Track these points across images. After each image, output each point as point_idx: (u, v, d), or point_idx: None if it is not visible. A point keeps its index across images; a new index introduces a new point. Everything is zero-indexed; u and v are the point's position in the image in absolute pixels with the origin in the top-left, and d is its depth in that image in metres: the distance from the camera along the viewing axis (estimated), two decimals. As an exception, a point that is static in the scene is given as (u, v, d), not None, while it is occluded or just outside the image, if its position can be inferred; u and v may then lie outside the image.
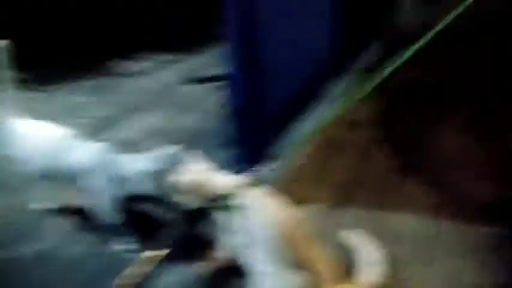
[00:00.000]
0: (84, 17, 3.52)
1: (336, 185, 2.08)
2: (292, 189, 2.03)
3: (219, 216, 1.50)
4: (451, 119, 2.57)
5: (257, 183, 1.46)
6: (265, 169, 1.58)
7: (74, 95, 3.03)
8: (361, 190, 2.05)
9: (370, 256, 1.59)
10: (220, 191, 1.47)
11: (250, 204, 1.45)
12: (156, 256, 1.64)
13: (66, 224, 1.84)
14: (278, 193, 1.50)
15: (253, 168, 1.62)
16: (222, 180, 1.50)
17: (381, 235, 1.74)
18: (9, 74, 1.78)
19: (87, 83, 3.20)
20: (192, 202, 1.49)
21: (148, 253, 1.66)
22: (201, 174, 1.48)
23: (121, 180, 1.56)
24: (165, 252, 1.65)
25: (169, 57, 3.59)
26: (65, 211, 1.89)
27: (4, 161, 1.85)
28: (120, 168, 1.57)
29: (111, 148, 1.65)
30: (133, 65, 3.52)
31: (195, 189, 1.47)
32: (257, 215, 1.43)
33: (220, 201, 1.47)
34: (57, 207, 1.90)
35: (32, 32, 3.23)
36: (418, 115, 2.64)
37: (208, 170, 1.51)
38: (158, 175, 1.52)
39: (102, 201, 1.63)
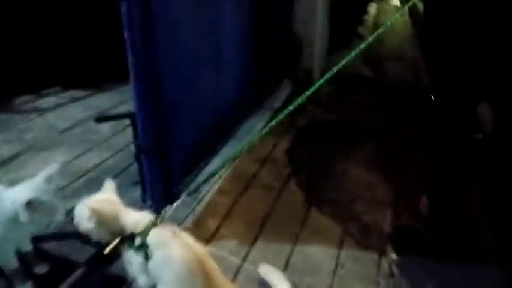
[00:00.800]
0: None
1: (248, 220, 2.13)
2: (205, 225, 2.07)
3: (130, 257, 1.47)
4: (354, 156, 2.78)
5: (162, 221, 1.46)
6: (175, 206, 1.58)
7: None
8: (273, 223, 2.12)
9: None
10: (129, 228, 1.45)
11: (158, 242, 1.43)
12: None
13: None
14: (187, 230, 1.52)
15: (163, 206, 1.63)
16: (132, 216, 1.48)
17: (292, 268, 1.85)
18: None
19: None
20: (101, 236, 1.44)
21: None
22: (112, 207, 1.45)
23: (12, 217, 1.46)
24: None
25: (79, 93, 3.50)
26: None
27: None
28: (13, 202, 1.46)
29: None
30: (41, 102, 3.38)
31: (105, 222, 1.42)
32: (165, 254, 1.42)
33: (130, 240, 1.44)
34: None
35: None
36: (323, 152, 2.84)
37: (118, 204, 1.48)
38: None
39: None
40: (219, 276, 1.48)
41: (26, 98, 3.39)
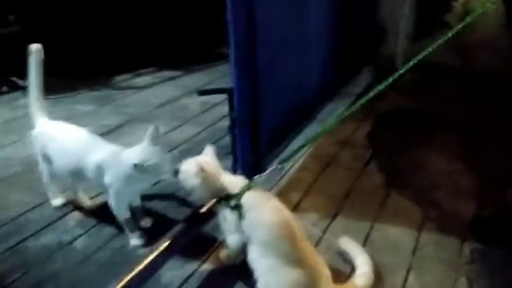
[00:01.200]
0: (97, 34, 3.71)
1: (330, 196, 2.22)
2: (288, 198, 2.18)
3: (226, 215, 1.63)
4: (436, 144, 2.75)
5: (258, 186, 1.60)
6: (267, 172, 1.70)
7: (77, 104, 3.17)
8: (353, 202, 2.19)
9: (361, 261, 1.73)
10: (227, 189, 1.61)
11: (251, 204, 1.58)
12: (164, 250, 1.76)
13: (86, 218, 1.99)
14: (276, 198, 1.64)
15: (252, 176, 1.76)
16: (229, 179, 1.64)
17: (371, 245, 1.91)
18: (40, 77, 1.90)
19: (91, 94, 3.35)
20: (201, 197, 1.62)
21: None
22: (214, 168, 1.62)
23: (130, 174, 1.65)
24: (173, 246, 1.77)
25: (171, 73, 3.79)
26: (86, 206, 2.05)
27: (36, 159, 1.96)
28: (127, 163, 1.64)
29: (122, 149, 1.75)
30: (137, 80, 3.70)
31: (208, 181, 1.59)
32: (257, 215, 1.56)
33: (226, 201, 1.60)
34: (80, 203, 2.05)
35: (49, 44, 3.39)
36: (404, 138, 2.83)
37: (218, 167, 1.64)
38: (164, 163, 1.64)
39: (116, 197, 1.75)
40: (304, 240, 1.59)
41: (124, 76, 3.74)
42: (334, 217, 2.07)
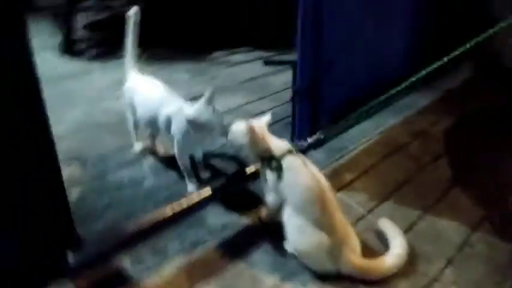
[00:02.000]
0: (203, 13, 4.07)
1: (384, 181, 2.20)
2: (341, 176, 2.22)
3: (267, 175, 1.76)
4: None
5: (297, 150, 1.69)
6: (310, 141, 1.78)
7: (175, 72, 3.53)
8: (408, 191, 2.15)
9: (396, 243, 1.73)
10: (270, 151, 1.73)
11: (290, 167, 1.68)
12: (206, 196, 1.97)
13: (157, 163, 2.29)
14: (324, 175, 1.71)
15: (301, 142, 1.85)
16: (274, 142, 1.76)
17: (414, 232, 1.88)
18: (136, 38, 2.20)
19: (188, 65, 3.70)
20: (248, 155, 1.77)
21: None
22: (261, 130, 1.75)
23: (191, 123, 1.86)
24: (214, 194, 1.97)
25: (263, 54, 3.98)
26: (160, 154, 2.35)
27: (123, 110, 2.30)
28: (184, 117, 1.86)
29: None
30: (231, 57, 3.97)
31: (254, 142, 1.73)
32: (293, 177, 1.67)
33: (269, 161, 1.73)
34: (151, 149, 2.36)
35: (154, 19, 3.85)
36: (486, 138, 2.64)
37: (265, 130, 1.77)
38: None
39: (178, 147, 1.99)
40: (336, 209, 1.66)
41: (221, 53, 4.03)
42: (382, 201, 2.06)
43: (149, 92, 2.12)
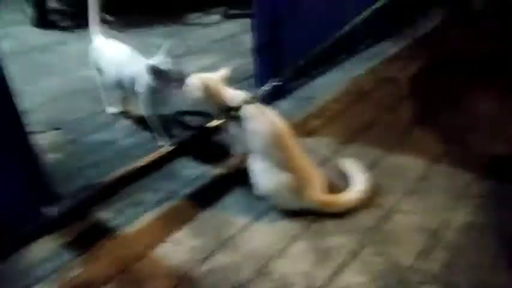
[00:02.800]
0: None
1: (350, 126, 2.31)
2: (310, 123, 2.32)
3: (228, 125, 1.85)
4: (487, 90, 2.61)
5: (257, 99, 1.77)
6: (264, 89, 1.82)
7: (150, 37, 3.53)
8: (373, 133, 2.26)
9: (357, 180, 1.85)
10: (228, 103, 1.80)
11: (248, 116, 1.76)
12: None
13: (130, 125, 2.36)
14: (295, 124, 1.78)
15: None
16: (230, 94, 1.83)
17: (377, 169, 1.99)
18: (98, 4, 2.24)
19: (163, 29, 3.70)
20: (207, 106, 1.85)
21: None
22: (215, 83, 1.82)
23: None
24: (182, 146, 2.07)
25: (239, 12, 3.97)
26: (128, 114, 2.42)
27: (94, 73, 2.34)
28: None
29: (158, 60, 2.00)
30: (206, 18, 3.97)
31: (210, 95, 1.80)
32: (252, 124, 1.75)
33: (227, 112, 1.80)
34: (123, 110, 2.43)
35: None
36: (455, 81, 2.72)
37: (220, 83, 1.84)
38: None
39: (145, 104, 2.06)
40: (296, 150, 1.76)
41: (196, 15, 4.02)
42: (347, 144, 2.18)
43: (113, 54, 2.18)
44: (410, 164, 2.04)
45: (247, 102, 1.76)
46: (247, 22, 3.73)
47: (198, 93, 1.80)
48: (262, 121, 1.75)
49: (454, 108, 2.47)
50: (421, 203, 1.82)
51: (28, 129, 1.57)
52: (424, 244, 1.63)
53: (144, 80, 1.98)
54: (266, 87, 1.78)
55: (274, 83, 1.78)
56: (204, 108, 1.90)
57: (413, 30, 3.37)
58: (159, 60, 1.92)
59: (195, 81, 1.81)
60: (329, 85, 2.65)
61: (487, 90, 2.59)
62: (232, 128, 1.83)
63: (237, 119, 1.77)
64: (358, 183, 1.83)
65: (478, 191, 1.87)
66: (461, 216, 1.74)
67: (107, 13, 3.79)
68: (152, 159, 2.03)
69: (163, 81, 1.92)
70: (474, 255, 1.58)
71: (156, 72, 1.90)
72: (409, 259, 1.57)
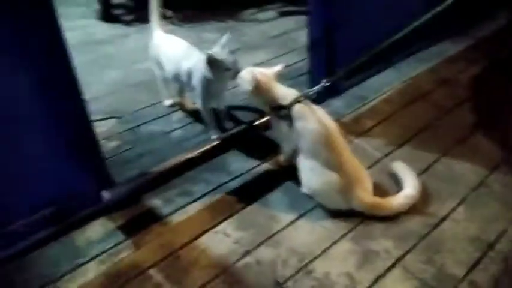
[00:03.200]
0: None
1: (405, 127, 2.23)
2: (361, 123, 2.28)
3: (278, 123, 1.86)
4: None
5: (307, 98, 1.77)
6: (315, 89, 1.80)
7: (207, 32, 3.62)
8: (428, 136, 2.18)
9: (409, 184, 1.79)
10: (279, 100, 1.80)
11: (298, 115, 1.76)
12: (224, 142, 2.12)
13: (185, 117, 2.45)
14: (345, 123, 1.75)
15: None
16: (281, 90, 1.83)
17: (430, 174, 1.92)
18: (159, 1, 2.32)
19: (219, 24, 3.78)
20: (256, 102, 1.87)
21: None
22: (267, 79, 1.83)
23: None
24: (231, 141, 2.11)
25: (295, 8, 3.97)
26: (183, 106, 2.50)
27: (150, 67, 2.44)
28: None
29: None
30: (262, 14, 4.00)
31: (260, 90, 1.81)
32: (302, 124, 1.75)
33: (278, 110, 1.81)
34: (179, 102, 2.51)
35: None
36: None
37: (273, 79, 1.84)
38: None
39: (201, 96, 2.12)
40: (345, 150, 1.74)
41: (251, 10, 4.06)
42: (400, 146, 2.11)
43: (172, 48, 2.25)
44: (466, 170, 1.95)
45: (297, 101, 1.76)
46: (303, 19, 3.75)
47: (248, 86, 1.81)
48: (311, 120, 1.74)
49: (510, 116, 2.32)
50: (476, 212, 1.74)
51: (90, 117, 1.68)
52: (476, 255, 1.56)
53: (199, 73, 2.04)
54: (317, 88, 1.77)
55: (325, 84, 1.75)
56: (254, 103, 1.92)
57: (477, 31, 3.20)
58: (216, 50, 1.97)
59: (247, 74, 1.83)
60: (384, 85, 2.58)
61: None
62: (282, 126, 1.84)
63: (287, 117, 1.78)
64: (409, 188, 1.78)
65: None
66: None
67: (166, 8, 3.96)
68: (203, 151, 2.08)
69: (219, 71, 1.97)
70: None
71: (213, 61, 1.94)
72: (459, 269, 1.51)
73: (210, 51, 1.95)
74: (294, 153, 1.84)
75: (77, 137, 1.61)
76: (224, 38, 1.99)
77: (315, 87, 1.77)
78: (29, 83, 1.44)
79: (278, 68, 1.89)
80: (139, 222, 1.77)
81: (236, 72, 1.90)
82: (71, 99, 1.55)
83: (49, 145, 1.54)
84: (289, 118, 1.78)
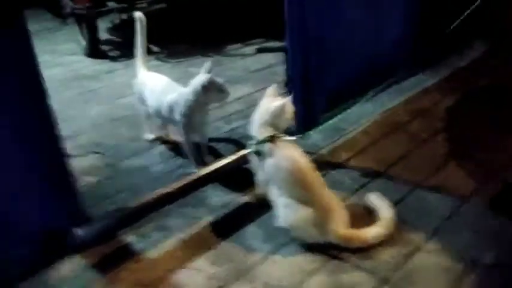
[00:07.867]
0: (216, 11, 4.36)
1: (380, 159, 2.27)
2: (338, 155, 2.32)
3: (255, 158, 1.88)
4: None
5: (282, 135, 1.81)
6: (292, 138, 1.85)
7: (192, 67, 3.70)
8: (403, 167, 2.21)
9: (383, 215, 1.82)
10: (255, 137, 1.84)
11: (270, 152, 1.79)
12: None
13: (167, 151, 2.47)
14: (322, 156, 1.78)
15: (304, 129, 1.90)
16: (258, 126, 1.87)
17: (404, 205, 1.95)
18: (143, 39, 2.40)
19: (204, 59, 3.86)
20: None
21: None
22: None
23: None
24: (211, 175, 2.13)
25: (278, 44, 4.08)
26: (164, 140, 2.54)
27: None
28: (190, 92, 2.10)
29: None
30: (245, 49, 4.11)
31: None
32: (274, 161, 1.78)
33: (256, 145, 1.84)
34: (160, 137, 2.55)
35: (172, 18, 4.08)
36: (493, 115, 2.63)
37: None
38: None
39: (183, 130, 2.17)
40: (319, 185, 1.76)
41: (236, 45, 4.18)
42: (376, 177, 2.15)
43: (154, 85, 2.32)
44: (439, 200, 1.98)
45: (272, 138, 1.80)
46: (283, 55, 3.87)
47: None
48: (283, 158, 1.77)
49: (489, 143, 2.38)
50: (448, 242, 1.75)
51: (67, 152, 1.70)
52: (448, 285, 1.57)
53: (181, 107, 2.11)
54: (288, 139, 1.83)
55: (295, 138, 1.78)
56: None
57: (454, 61, 3.30)
58: (200, 77, 2.08)
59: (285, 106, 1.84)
60: (363, 116, 2.64)
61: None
62: (256, 161, 1.87)
63: (257, 153, 1.82)
64: (383, 219, 1.80)
65: (508, 232, 1.78)
66: (489, 257, 1.66)
67: (152, 44, 4.06)
68: (181, 185, 2.10)
69: (213, 93, 2.08)
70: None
71: (211, 83, 2.05)
72: (431, 301, 1.52)
73: (201, 82, 2.05)
74: (268, 187, 1.87)
75: (50, 173, 1.62)
76: (207, 65, 2.11)
77: (289, 137, 1.82)
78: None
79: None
80: (113, 259, 1.76)
81: (227, 94, 2.05)
82: (44, 134, 1.57)
83: (21, 181, 1.55)
84: (259, 154, 1.82)
